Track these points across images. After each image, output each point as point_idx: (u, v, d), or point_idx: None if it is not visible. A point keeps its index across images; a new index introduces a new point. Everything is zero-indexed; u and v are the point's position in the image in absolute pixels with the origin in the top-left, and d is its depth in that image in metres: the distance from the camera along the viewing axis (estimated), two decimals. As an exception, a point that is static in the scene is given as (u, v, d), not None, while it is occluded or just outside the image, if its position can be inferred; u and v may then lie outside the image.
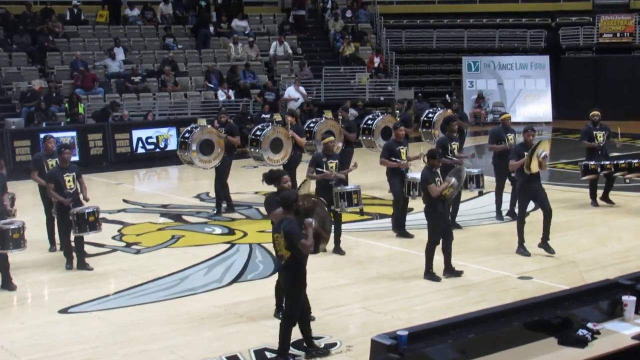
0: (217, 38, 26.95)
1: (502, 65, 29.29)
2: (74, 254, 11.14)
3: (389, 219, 13.17)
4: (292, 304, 7.83)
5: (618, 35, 29.95)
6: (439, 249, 10.42)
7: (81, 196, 11.22)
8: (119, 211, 14.82)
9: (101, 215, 11.44)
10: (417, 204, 12.61)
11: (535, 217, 12.01)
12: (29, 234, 10.54)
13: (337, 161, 11.74)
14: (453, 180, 10.35)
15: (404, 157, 12.52)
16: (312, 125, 15.90)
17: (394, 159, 12.47)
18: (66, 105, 21.76)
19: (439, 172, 10.41)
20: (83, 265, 11.09)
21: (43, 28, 24.51)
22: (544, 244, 11.37)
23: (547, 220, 11.25)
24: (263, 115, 21.72)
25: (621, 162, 14.36)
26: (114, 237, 12.87)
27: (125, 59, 24.52)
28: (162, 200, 15.90)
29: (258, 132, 15.11)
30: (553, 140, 23.42)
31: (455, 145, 12.89)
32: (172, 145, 20.41)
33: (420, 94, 27.13)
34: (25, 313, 9.77)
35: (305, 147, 15.25)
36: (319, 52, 28.60)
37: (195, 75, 25.05)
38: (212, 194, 15.19)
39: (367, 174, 16.10)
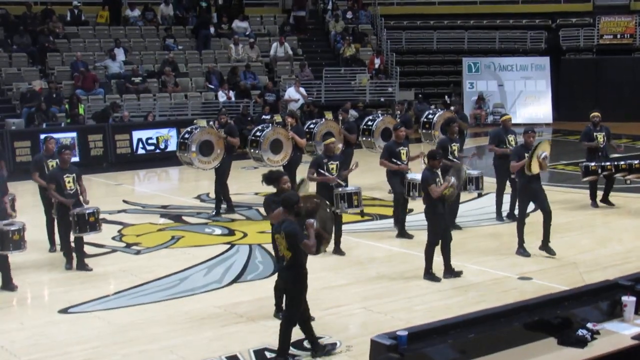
0: (218, 39, 26.96)
1: (503, 66, 29.29)
2: (74, 255, 11.15)
3: (389, 220, 13.17)
4: (293, 305, 7.82)
5: (618, 36, 29.95)
6: (438, 249, 10.43)
7: (81, 198, 11.22)
8: (119, 212, 14.82)
9: (101, 216, 11.44)
10: (417, 205, 12.61)
11: (535, 218, 12.01)
12: (29, 235, 10.53)
13: (338, 162, 11.76)
14: (453, 179, 10.37)
15: (404, 157, 12.53)
16: (312, 126, 15.90)
17: (394, 160, 12.48)
18: (66, 106, 21.76)
19: (439, 173, 10.43)
20: (82, 266, 11.09)
21: (43, 29, 24.51)
22: (545, 246, 11.37)
23: (547, 222, 11.25)
24: (263, 116, 21.70)
25: (622, 162, 14.38)
26: (114, 238, 12.87)
27: (125, 60, 24.53)
28: (162, 201, 15.90)
29: (258, 133, 15.12)
30: (553, 142, 23.39)
31: (455, 147, 12.89)
32: (173, 146, 20.38)
33: (420, 95, 27.14)
34: (25, 313, 9.77)
35: (305, 148, 15.25)
36: (319, 53, 28.61)
37: (195, 76, 25.06)
38: (213, 195, 15.19)
39: (367, 175, 16.10)
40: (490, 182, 13.87)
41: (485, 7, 31.45)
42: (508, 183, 13.29)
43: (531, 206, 11.72)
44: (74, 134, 20.22)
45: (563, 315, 6.51)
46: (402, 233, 12.56)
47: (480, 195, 14.55)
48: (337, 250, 11.59)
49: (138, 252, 12.14)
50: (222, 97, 23.97)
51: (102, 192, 16.97)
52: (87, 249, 11.48)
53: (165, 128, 21.62)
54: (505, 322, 6.34)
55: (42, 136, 17.34)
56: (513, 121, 14.11)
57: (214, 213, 14.46)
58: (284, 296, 8.27)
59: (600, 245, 12.23)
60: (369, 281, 10.49)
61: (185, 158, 14.93)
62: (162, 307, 9.59)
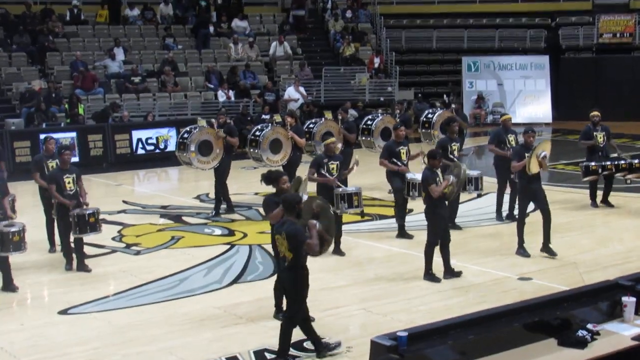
0: (217, 38, 26.95)
1: (502, 65, 29.28)
2: (74, 255, 11.14)
3: (389, 220, 13.16)
4: (294, 305, 7.80)
5: (618, 35, 29.93)
6: (438, 250, 10.42)
7: (81, 199, 11.20)
8: (118, 212, 14.81)
9: (101, 216, 11.43)
10: (417, 205, 12.61)
11: (535, 218, 12.00)
12: (29, 235, 10.52)
13: (338, 162, 11.75)
14: (452, 178, 10.37)
15: (404, 157, 12.53)
16: (311, 126, 15.90)
17: (394, 160, 12.48)
18: (66, 105, 21.75)
19: (439, 172, 10.42)
20: (82, 267, 11.08)
21: (43, 28, 24.51)
22: (546, 247, 11.36)
23: (547, 222, 11.24)
24: (263, 116, 21.71)
25: (622, 162, 14.37)
26: (113, 238, 12.86)
27: (125, 59, 24.51)
28: (162, 201, 15.89)
29: (257, 133, 15.11)
30: (553, 141, 23.40)
31: (455, 146, 12.89)
32: (172, 146, 20.32)
33: (420, 95, 27.13)
34: (25, 314, 9.76)
35: (304, 148, 15.25)
36: (319, 52, 28.59)
37: (195, 76, 25.05)
38: (212, 195, 15.18)
39: (367, 175, 16.09)
40: (490, 182, 13.86)
41: (485, 6, 31.47)
42: (507, 183, 13.29)
43: (531, 206, 11.72)
44: (73, 134, 20.20)
45: (563, 316, 6.51)
46: (402, 233, 12.56)
47: (479, 196, 14.54)
48: (337, 251, 11.59)
49: (138, 253, 12.14)
50: (221, 96, 23.96)
51: (101, 192, 16.97)
52: (87, 250, 11.47)
53: (165, 128, 21.60)
54: (505, 322, 6.33)
55: (42, 136, 17.33)
56: (512, 120, 14.11)
57: (212, 214, 14.45)
58: (284, 297, 8.26)
59: (601, 245, 12.22)
60: (368, 282, 10.48)
61: (184, 158, 14.92)
62: (161, 308, 9.58)
